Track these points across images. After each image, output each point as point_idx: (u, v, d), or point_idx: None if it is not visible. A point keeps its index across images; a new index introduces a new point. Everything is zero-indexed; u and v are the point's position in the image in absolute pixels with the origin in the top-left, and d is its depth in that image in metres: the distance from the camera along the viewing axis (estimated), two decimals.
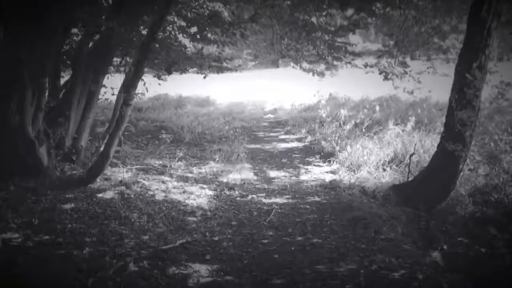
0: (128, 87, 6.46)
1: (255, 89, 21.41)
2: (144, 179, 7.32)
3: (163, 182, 7.37)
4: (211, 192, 7.08)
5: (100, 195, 6.40)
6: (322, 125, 11.71)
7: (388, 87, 12.00)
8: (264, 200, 6.81)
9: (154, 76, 9.47)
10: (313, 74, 13.92)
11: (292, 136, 11.79)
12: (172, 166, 8.47)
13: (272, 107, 17.71)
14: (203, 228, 5.62)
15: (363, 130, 10.12)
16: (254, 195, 7.04)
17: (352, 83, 17.05)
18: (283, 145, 10.95)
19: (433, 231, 5.68)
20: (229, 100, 19.42)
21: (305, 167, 8.89)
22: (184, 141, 11.26)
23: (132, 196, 6.50)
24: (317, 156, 9.61)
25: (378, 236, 5.25)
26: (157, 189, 6.95)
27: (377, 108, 11.60)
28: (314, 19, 12.00)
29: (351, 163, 8.54)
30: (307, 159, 9.54)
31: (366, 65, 10.03)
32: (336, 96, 15.06)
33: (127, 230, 5.27)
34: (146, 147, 10.49)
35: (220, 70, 9.92)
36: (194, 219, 5.94)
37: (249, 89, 21.58)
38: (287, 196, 7.01)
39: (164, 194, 6.77)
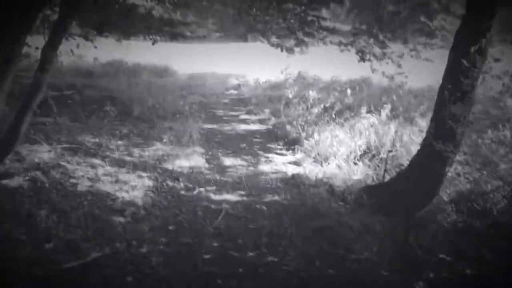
0: (46, 49, 5.08)
1: (220, 63, 20.04)
2: (68, 162, 6.02)
3: (93, 166, 6.09)
4: (150, 183, 5.86)
5: (5, 181, 5.10)
6: (288, 106, 10.57)
7: (361, 69, 10.98)
8: (213, 197, 5.65)
9: (80, 36, 7.93)
10: (282, 50, 12.77)
11: (254, 117, 10.61)
12: (110, 146, 7.16)
13: (235, 82, 16.45)
14: (130, 234, 4.41)
15: (333, 116, 9.05)
16: (202, 189, 5.86)
17: (322, 62, 15.94)
18: (244, 127, 9.76)
19: (413, 248, 4.69)
20: (190, 71, 18.01)
21: (266, 155, 7.76)
22: (132, 115, 9.92)
23: (47, 185, 5.22)
24: (280, 143, 8.48)
25: (348, 256, 4.22)
26: (82, 176, 5.68)
27: (349, 91, 10.53)
28: None
29: (318, 154, 7.48)
30: (268, 145, 8.40)
31: (340, 43, 8.88)
32: (305, 75, 13.90)
33: (24, 235, 4.01)
34: (87, 120, 9.11)
35: (174, 37, 8.50)
36: (122, 219, 4.73)
37: (213, 61, 20.17)
38: (242, 192, 5.86)
39: (90, 184, 5.51)
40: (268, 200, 5.62)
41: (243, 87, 15.06)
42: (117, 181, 5.69)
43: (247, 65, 18.32)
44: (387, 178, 6.04)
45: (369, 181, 6.31)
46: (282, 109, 10.42)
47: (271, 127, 9.69)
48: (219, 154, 7.59)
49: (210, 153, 7.60)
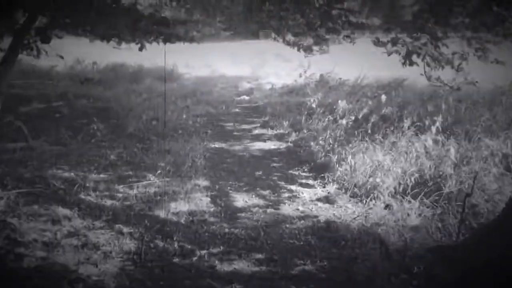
0: None
1: (230, 63, 18.39)
2: (20, 218, 4.39)
3: (55, 221, 4.46)
4: (131, 245, 4.22)
5: None
6: (310, 117, 8.84)
7: (394, 69, 9.28)
8: (218, 266, 3.97)
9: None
10: (299, 49, 11.14)
11: (270, 132, 8.89)
12: (86, 184, 5.54)
13: (247, 86, 14.77)
14: None
15: (369, 131, 7.31)
16: (204, 252, 4.19)
17: (344, 62, 14.18)
18: (258, 145, 8.06)
19: None
20: (197, 74, 16.43)
21: (288, 187, 6.05)
22: (125, 132, 8.35)
23: None
24: (305, 168, 6.78)
25: None
26: (35, 240, 4.05)
27: (383, 98, 8.73)
28: None
29: (355, 186, 5.78)
30: (290, 171, 6.70)
31: (377, 41, 7.12)
32: (328, 78, 12.12)
33: None
34: (70, 141, 7.56)
35: (168, 39, 6.85)
36: None
37: (222, 62, 18.54)
38: (259, 256, 4.16)
39: (44, 253, 3.88)
40: (298, 272, 3.91)
41: (257, 92, 13.37)
42: (84, 246, 4.06)
43: (261, 66, 16.68)
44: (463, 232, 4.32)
45: (433, 232, 4.58)
46: (304, 121, 8.71)
47: (291, 144, 7.99)
48: (228, 188, 5.91)
49: (216, 187, 5.93)
